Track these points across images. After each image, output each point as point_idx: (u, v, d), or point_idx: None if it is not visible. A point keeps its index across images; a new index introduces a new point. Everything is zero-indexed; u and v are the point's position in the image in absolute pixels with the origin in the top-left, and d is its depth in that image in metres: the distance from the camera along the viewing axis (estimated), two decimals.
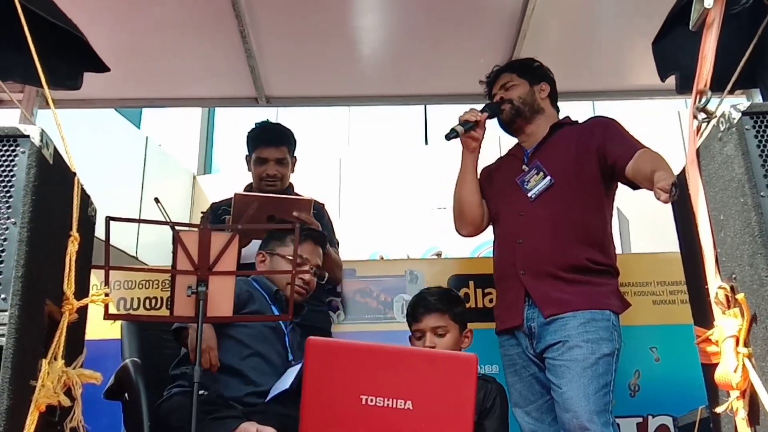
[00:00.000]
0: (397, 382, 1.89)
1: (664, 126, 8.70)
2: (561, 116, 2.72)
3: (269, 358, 2.49)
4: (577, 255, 2.40)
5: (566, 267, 2.39)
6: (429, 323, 2.54)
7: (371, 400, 1.86)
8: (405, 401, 1.86)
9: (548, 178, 2.48)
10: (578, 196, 2.46)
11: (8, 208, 1.48)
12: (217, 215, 3.20)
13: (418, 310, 2.58)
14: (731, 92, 1.79)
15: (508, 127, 2.69)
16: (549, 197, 2.47)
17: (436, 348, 2.52)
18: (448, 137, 2.50)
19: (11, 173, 1.50)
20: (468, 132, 2.53)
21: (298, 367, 2.34)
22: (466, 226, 2.70)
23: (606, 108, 6.47)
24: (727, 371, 1.47)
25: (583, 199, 2.47)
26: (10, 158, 1.51)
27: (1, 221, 1.47)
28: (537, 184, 2.50)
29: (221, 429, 2.11)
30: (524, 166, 2.58)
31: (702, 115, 1.71)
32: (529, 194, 2.50)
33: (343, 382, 1.90)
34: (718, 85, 1.76)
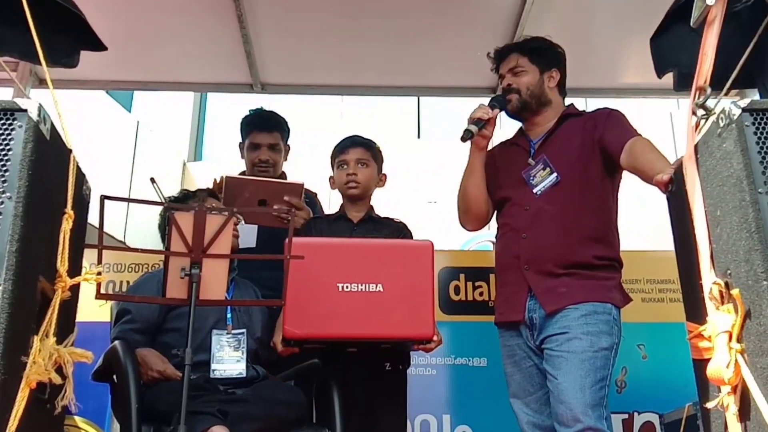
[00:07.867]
0: (368, 270, 2.20)
1: (656, 127, 8.73)
2: (566, 103, 2.68)
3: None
4: (583, 253, 2.39)
5: (571, 264, 2.38)
6: (354, 155, 2.87)
7: (347, 287, 2.16)
8: (376, 284, 2.18)
9: (554, 174, 2.45)
10: (584, 192, 2.45)
11: (4, 182, 1.46)
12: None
13: (345, 143, 2.93)
14: (727, 92, 1.79)
15: (513, 116, 2.65)
16: (555, 193, 2.45)
17: (357, 177, 2.83)
18: (464, 139, 2.47)
19: (8, 147, 1.48)
20: (481, 131, 2.49)
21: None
22: (471, 222, 2.69)
23: (598, 106, 6.45)
24: (720, 367, 1.47)
25: (589, 195, 2.46)
26: (7, 132, 1.49)
27: None
28: (543, 180, 2.47)
29: (192, 424, 2.05)
30: (530, 160, 2.54)
31: (701, 112, 1.71)
32: (535, 190, 2.47)
33: (320, 274, 2.16)
34: (715, 83, 1.76)
